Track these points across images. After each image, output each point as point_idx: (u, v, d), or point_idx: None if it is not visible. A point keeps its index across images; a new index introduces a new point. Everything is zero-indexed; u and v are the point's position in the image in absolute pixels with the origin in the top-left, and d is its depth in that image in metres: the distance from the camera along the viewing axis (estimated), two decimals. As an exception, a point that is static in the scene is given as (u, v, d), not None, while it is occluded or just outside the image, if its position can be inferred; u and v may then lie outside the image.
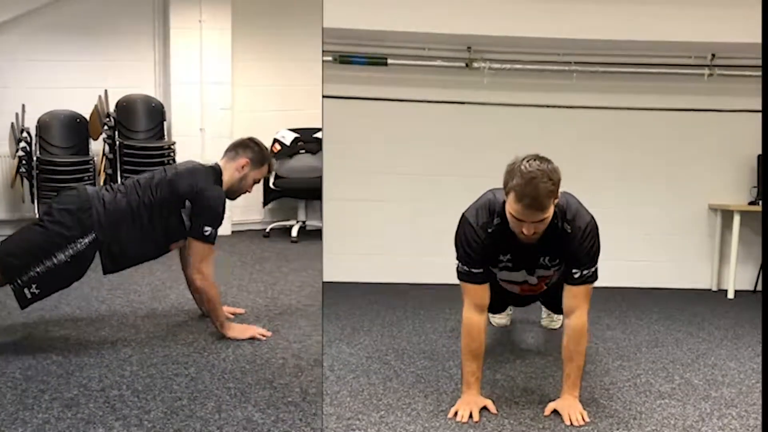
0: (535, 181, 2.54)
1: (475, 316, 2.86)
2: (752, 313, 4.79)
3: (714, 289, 5.66)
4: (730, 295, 5.39)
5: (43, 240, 3.25)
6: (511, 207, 2.63)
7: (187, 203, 3.42)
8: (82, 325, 3.69)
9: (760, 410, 2.78)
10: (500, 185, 2.71)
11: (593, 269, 2.82)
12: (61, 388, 2.87)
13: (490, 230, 2.79)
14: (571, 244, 2.78)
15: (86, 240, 3.27)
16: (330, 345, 3.69)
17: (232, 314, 3.84)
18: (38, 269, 3.19)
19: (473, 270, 2.84)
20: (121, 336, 3.57)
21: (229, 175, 3.57)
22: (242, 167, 3.58)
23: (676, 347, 3.85)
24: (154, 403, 2.76)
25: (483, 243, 2.81)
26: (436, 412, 2.81)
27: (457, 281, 2.94)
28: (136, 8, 6.10)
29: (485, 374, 3.00)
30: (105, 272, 3.44)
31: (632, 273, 5.59)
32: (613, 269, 5.43)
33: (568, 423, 2.69)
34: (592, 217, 2.85)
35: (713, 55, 5.46)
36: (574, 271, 2.81)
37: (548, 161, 2.63)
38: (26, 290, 3.20)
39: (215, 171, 3.56)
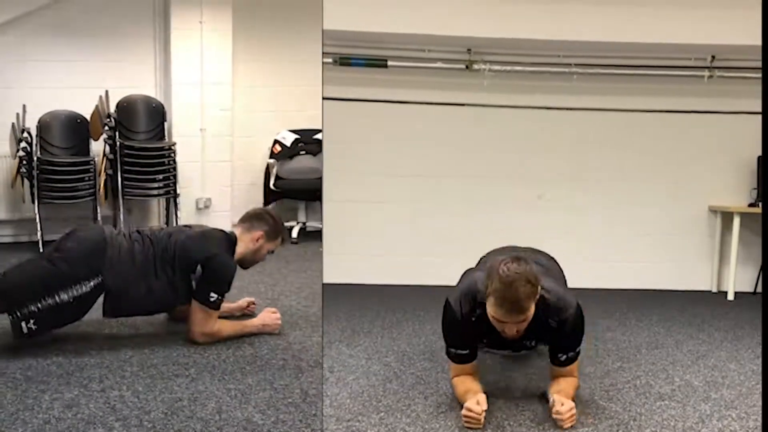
0: (514, 285, 2.54)
1: (462, 377, 2.90)
2: (752, 314, 4.79)
3: (714, 290, 5.67)
4: (730, 296, 5.39)
5: (48, 276, 3.23)
6: (492, 311, 2.64)
7: (198, 268, 3.41)
8: (82, 326, 3.67)
9: (760, 412, 2.78)
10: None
11: (578, 349, 2.86)
12: (62, 389, 2.87)
13: (473, 319, 2.81)
14: (557, 334, 2.80)
15: (91, 283, 3.26)
16: (330, 346, 3.69)
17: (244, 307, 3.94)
18: (39, 305, 3.17)
19: (459, 351, 2.89)
20: (122, 336, 3.57)
21: (243, 246, 3.60)
22: (257, 240, 3.62)
23: (676, 349, 3.85)
24: (155, 404, 2.76)
25: (467, 328, 2.84)
26: (436, 413, 2.80)
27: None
28: (137, 9, 6.10)
29: (485, 375, 2.99)
30: (104, 315, 3.43)
31: (632, 274, 5.59)
32: (614, 270, 5.47)
33: (558, 407, 2.64)
34: (576, 303, 2.82)
35: (713, 57, 5.47)
36: (560, 355, 2.84)
37: (526, 262, 2.64)
38: (23, 324, 3.17)
39: (230, 239, 3.57)
